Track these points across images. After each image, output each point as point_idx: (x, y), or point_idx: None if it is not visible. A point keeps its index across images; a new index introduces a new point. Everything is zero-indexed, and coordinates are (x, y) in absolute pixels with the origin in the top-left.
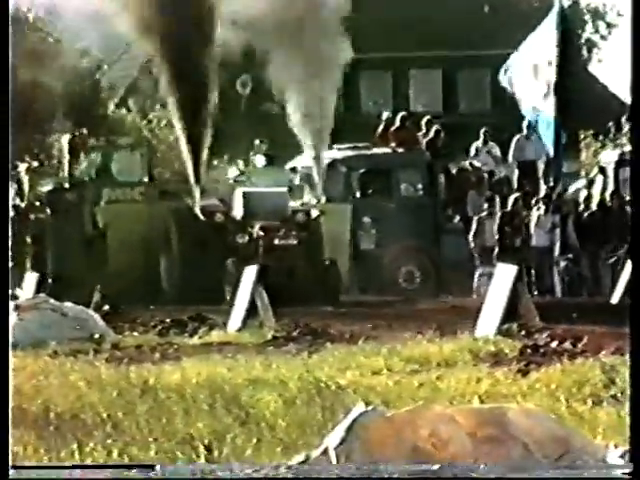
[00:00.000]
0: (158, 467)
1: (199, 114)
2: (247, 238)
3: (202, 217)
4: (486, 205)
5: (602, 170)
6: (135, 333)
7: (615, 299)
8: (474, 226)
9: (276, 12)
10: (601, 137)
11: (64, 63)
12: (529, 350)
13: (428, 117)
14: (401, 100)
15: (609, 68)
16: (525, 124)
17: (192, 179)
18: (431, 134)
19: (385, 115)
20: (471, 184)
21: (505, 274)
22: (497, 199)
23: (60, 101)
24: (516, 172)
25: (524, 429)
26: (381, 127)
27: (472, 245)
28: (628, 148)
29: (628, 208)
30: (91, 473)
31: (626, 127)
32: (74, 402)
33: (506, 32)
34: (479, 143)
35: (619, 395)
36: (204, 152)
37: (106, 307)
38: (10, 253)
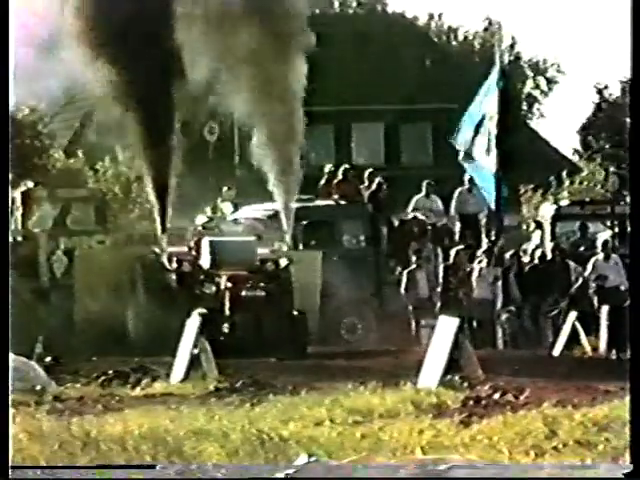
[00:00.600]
0: (158, 467)
1: (165, 160)
2: (214, 288)
3: (168, 266)
4: (414, 258)
5: (539, 225)
6: (77, 385)
7: (557, 351)
8: (404, 279)
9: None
10: (541, 191)
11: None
12: (471, 402)
13: (370, 170)
14: (343, 153)
15: (550, 123)
16: (467, 178)
17: (159, 227)
18: (373, 186)
19: (328, 168)
20: (413, 236)
21: (447, 326)
22: (439, 251)
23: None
24: (458, 225)
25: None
26: (324, 179)
27: (405, 298)
28: (566, 202)
29: (569, 261)
30: (91, 474)
31: (566, 182)
32: (15, 455)
33: (448, 87)
34: (421, 196)
35: (561, 447)
36: (170, 199)
37: (48, 359)
38: None
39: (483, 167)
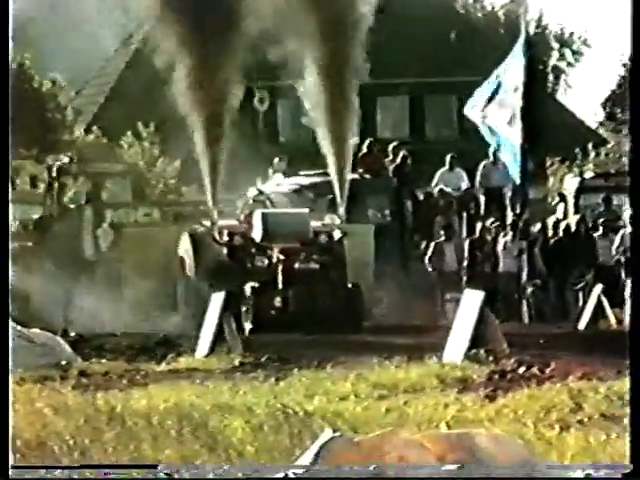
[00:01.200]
0: (160, 467)
1: (218, 131)
2: (266, 262)
3: (219, 239)
4: (442, 231)
5: (562, 197)
6: (102, 360)
7: (582, 325)
8: (430, 251)
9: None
10: (567, 163)
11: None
12: (496, 376)
13: (395, 143)
14: (368, 127)
15: (576, 95)
16: (491, 151)
17: (210, 200)
18: (398, 160)
19: (352, 141)
20: (439, 210)
21: (472, 300)
22: (464, 225)
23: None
24: (483, 198)
25: (493, 454)
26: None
27: (429, 270)
28: (590, 174)
29: (594, 234)
30: (94, 473)
31: (592, 154)
32: (41, 429)
33: (473, 59)
34: (445, 169)
35: (586, 420)
36: (221, 171)
37: (73, 334)
38: None
39: (507, 139)
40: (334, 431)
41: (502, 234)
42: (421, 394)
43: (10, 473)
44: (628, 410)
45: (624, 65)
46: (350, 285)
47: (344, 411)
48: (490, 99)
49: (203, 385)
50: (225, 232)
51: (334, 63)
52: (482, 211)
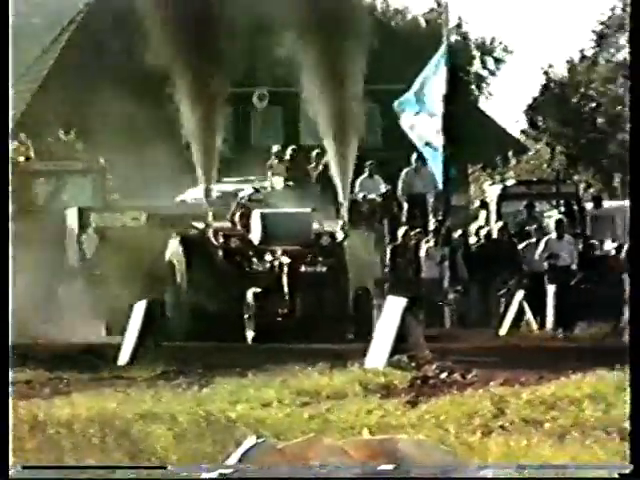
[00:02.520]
0: (170, 467)
1: (212, 128)
2: (268, 265)
3: (215, 242)
4: None
5: (484, 204)
6: (26, 369)
7: (504, 331)
8: None
9: None
10: (489, 171)
11: None
12: (419, 382)
13: (317, 150)
14: (291, 133)
15: (498, 103)
16: (414, 158)
17: (204, 200)
18: (320, 167)
19: (275, 148)
20: (362, 216)
21: (395, 306)
22: (386, 231)
23: None
24: (405, 205)
25: (415, 460)
26: (271, 159)
27: None
28: (512, 182)
29: (516, 241)
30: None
31: (513, 161)
32: None
33: (396, 67)
34: (365, 176)
35: (508, 425)
36: (215, 169)
37: None
38: None
39: (431, 147)
40: (257, 437)
41: (424, 240)
42: (344, 400)
43: (10, 473)
44: (550, 415)
45: (546, 73)
46: (358, 290)
47: (267, 418)
48: (416, 107)
49: (126, 393)
50: (221, 234)
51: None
52: (404, 218)
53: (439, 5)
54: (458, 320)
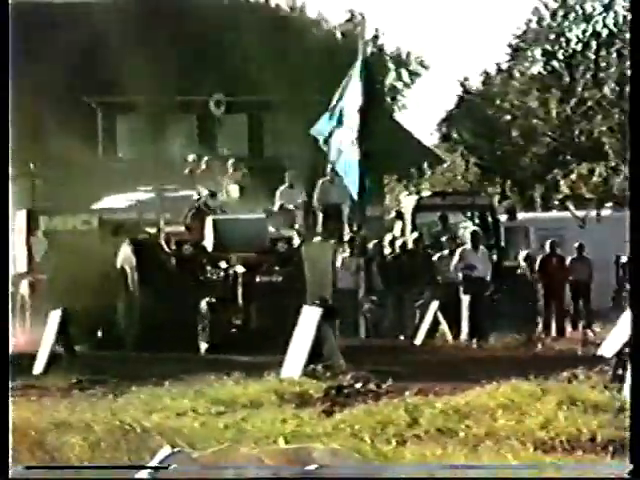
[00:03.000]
0: (173, 466)
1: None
2: (222, 274)
3: (167, 249)
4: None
5: (399, 215)
6: None
7: (418, 341)
8: None
9: None
10: (404, 182)
11: None
12: (334, 391)
13: (232, 160)
14: (207, 143)
15: (413, 115)
16: (329, 168)
17: (157, 205)
18: (238, 177)
19: (191, 158)
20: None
21: (310, 316)
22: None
23: None
24: (321, 215)
25: (329, 469)
26: (187, 169)
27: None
28: (427, 193)
29: (430, 251)
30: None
31: (428, 172)
32: None
33: (312, 78)
34: (285, 186)
35: (422, 434)
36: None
37: None
38: None
39: (347, 158)
40: (172, 447)
41: (340, 250)
42: (259, 409)
43: (10, 473)
44: (464, 425)
45: (461, 85)
46: (316, 300)
47: (183, 427)
48: (333, 118)
49: (40, 403)
50: (173, 240)
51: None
52: (320, 227)
53: (353, 17)
54: (373, 330)
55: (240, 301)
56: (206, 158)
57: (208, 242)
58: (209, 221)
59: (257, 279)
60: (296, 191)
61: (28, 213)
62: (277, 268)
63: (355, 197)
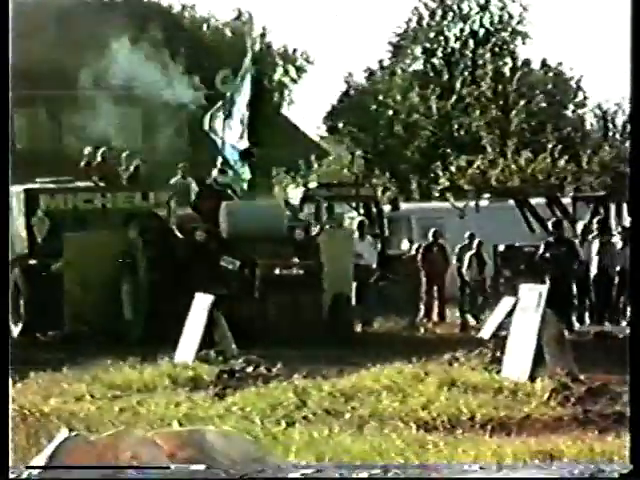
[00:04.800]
0: (172, 467)
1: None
2: (238, 264)
3: (179, 235)
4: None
5: (287, 204)
6: None
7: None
8: None
9: None
10: (292, 174)
11: None
12: (225, 375)
13: (127, 152)
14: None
15: (300, 109)
16: (219, 161)
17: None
18: (131, 169)
19: (87, 150)
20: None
21: (202, 302)
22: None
23: None
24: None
25: (221, 450)
26: (83, 162)
27: None
28: (314, 185)
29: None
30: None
31: (315, 165)
32: None
33: (200, 75)
34: (178, 178)
35: (310, 416)
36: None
37: None
38: None
39: (236, 151)
40: (70, 431)
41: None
42: (154, 393)
43: (10, 473)
44: (350, 406)
45: (346, 82)
46: (336, 294)
47: (80, 411)
48: (222, 113)
49: None
50: (186, 226)
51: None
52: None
53: (241, 15)
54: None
55: (257, 294)
56: (102, 150)
57: (223, 229)
58: (223, 207)
59: (275, 272)
60: (188, 182)
61: (26, 192)
62: (297, 261)
63: (244, 187)
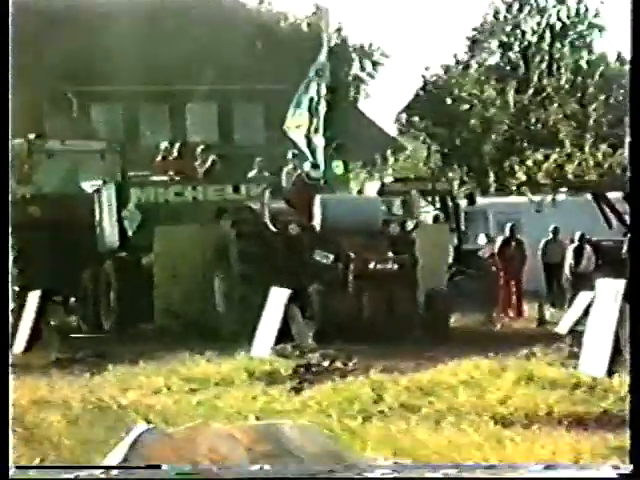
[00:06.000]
0: (165, 467)
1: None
2: (331, 257)
3: (273, 228)
4: None
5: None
6: None
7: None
8: None
9: None
10: (368, 168)
11: None
12: (302, 369)
13: (202, 147)
14: (178, 131)
15: (376, 103)
16: (290, 156)
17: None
18: (208, 164)
19: (163, 145)
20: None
21: (278, 297)
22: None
23: None
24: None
25: (298, 444)
26: (159, 156)
27: None
28: (390, 179)
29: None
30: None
31: (391, 159)
32: None
33: (279, 69)
34: (254, 172)
35: (387, 410)
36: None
37: None
38: None
39: (315, 146)
40: (147, 424)
41: None
42: (231, 387)
43: (10, 473)
44: (427, 400)
45: (422, 76)
46: (431, 290)
47: (157, 404)
48: (299, 107)
49: (20, 380)
50: (279, 219)
51: None
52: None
53: (318, 10)
54: None
55: (351, 288)
56: (178, 145)
57: (316, 222)
58: (317, 200)
59: (370, 266)
60: (265, 178)
61: (117, 185)
62: (391, 255)
63: (322, 183)
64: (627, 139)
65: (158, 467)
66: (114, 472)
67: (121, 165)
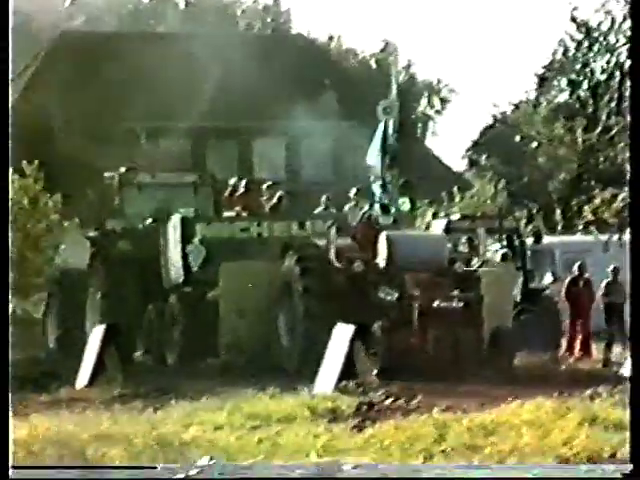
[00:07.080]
0: (159, 467)
1: None
2: (396, 295)
3: (337, 264)
4: None
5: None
6: None
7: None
8: None
9: None
10: (435, 206)
11: None
12: (365, 407)
13: (269, 183)
14: (245, 167)
15: (443, 141)
16: (352, 193)
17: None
18: (274, 200)
19: (232, 181)
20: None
21: (343, 333)
22: None
23: None
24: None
25: None
26: (227, 192)
27: None
28: (456, 217)
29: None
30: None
31: (458, 197)
32: None
33: (346, 104)
34: (321, 209)
35: (449, 450)
36: None
37: None
38: None
39: (385, 183)
40: (210, 460)
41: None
42: (293, 424)
43: (10, 473)
44: (490, 441)
45: (489, 113)
46: (496, 329)
47: (219, 440)
48: (375, 145)
49: (83, 415)
50: (344, 256)
51: None
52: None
53: (387, 46)
54: None
55: (416, 326)
56: (245, 180)
57: (381, 259)
58: (382, 237)
59: (435, 304)
60: (330, 214)
61: (183, 220)
62: (456, 293)
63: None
64: None
65: (154, 468)
66: (114, 472)
67: (214, 198)
